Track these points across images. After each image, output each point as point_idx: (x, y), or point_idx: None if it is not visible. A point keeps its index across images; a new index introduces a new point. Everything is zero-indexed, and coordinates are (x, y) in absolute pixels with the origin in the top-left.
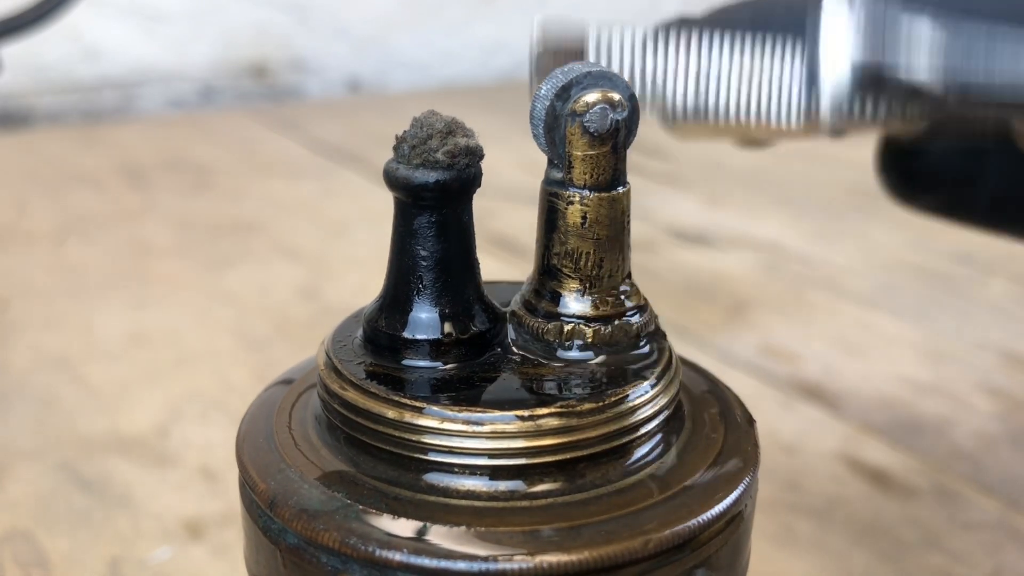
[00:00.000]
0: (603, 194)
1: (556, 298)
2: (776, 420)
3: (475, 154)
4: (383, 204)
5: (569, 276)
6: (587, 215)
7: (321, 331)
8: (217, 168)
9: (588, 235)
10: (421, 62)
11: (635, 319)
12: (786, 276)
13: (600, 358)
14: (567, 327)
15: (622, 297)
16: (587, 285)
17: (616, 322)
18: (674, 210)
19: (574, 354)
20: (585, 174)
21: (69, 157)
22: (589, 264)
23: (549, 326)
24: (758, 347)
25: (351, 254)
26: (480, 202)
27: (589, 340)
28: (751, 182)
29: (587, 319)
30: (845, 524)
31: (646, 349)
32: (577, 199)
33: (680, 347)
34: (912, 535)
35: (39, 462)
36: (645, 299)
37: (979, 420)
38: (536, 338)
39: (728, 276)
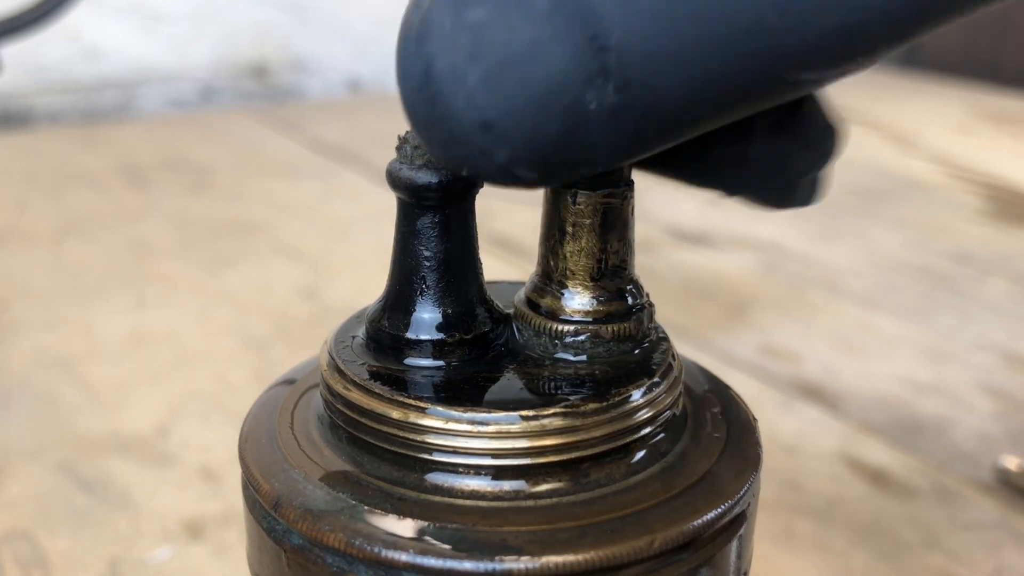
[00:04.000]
0: (617, 191)
1: (569, 297)
2: (776, 420)
3: None
4: (383, 204)
5: (585, 274)
6: (607, 213)
7: (321, 331)
8: (217, 168)
9: (606, 233)
10: None
11: (643, 315)
12: (786, 276)
13: (603, 358)
14: (580, 326)
15: (631, 294)
16: (604, 282)
17: (627, 319)
18: (674, 210)
19: (578, 354)
20: None
21: (69, 157)
22: (607, 261)
23: (561, 326)
24: (758, 347)
25: (351, 254)
26: (480, 202)
27: (600, 338)
28: None
29: (600, 317)
30: (845, 524)
31: (649, 348)
32: (595, 197)
33: (680, 347)
34: (912, 535)
35: (39, 462)
36: (648, 295)
37: (979, 420)
38: (550, 337)
39: (728, 276)
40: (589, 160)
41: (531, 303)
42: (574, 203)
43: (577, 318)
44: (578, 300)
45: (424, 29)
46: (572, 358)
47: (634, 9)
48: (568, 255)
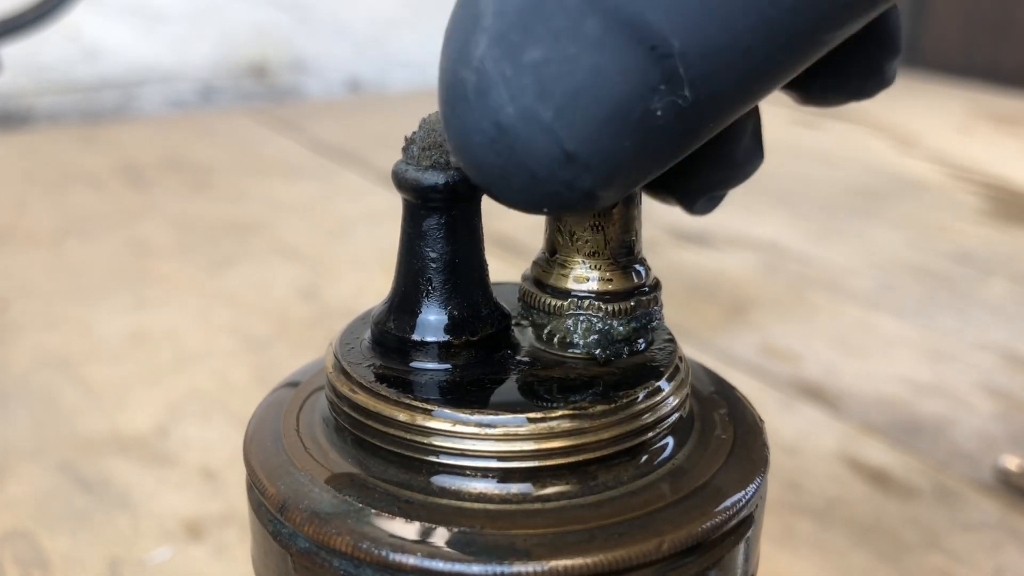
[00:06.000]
0: None
1: (576, 274)
2: (776, 420)
3: None
4: (383, 204)
5: (592, 250)
6: None
7: (321, 331)
8: (217, 168)
9: (612, 209)
10: (421, 62)
11: (653, 294)
12: (786, 276)
13: (610, 360)
14: (587, 302)
15: (639, 272)
16: (611, 259)
17: (633, 296)
18: (674, 210)
19: (584, 334)
20: None
21: (69, 157)
22: (614, 237)
23: (567, 302)
24: (758, 347)
25: (351, 254)
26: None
27: (607, 314)
28: (751, 182)
29: (606, 294)
30: (845, 524)
31: (656, 350)
32: None
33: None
34: (912, 535)
35: (39, 462)
36: (655, 277)
37: (979, 420)
38: (556, 315)
39: (728, 276)
40: (659, 165)
41: (537, 282)
42: None
43: (583, 295)
44: (585, 276)
45: (483, 83)
46: (580, 356)
47: (685, 11)
48: (574, 232)
